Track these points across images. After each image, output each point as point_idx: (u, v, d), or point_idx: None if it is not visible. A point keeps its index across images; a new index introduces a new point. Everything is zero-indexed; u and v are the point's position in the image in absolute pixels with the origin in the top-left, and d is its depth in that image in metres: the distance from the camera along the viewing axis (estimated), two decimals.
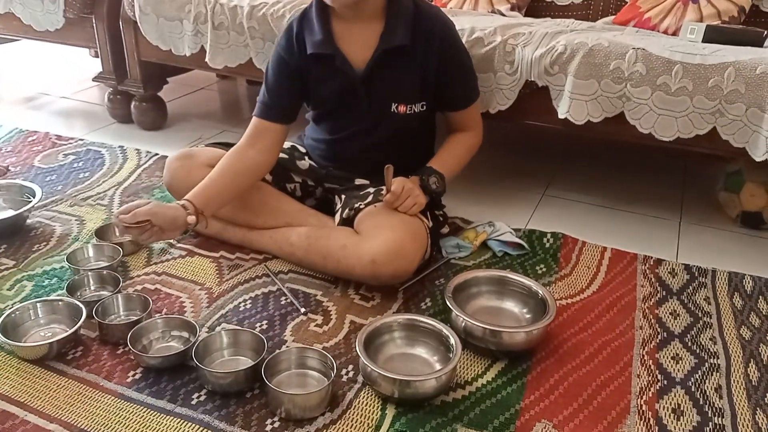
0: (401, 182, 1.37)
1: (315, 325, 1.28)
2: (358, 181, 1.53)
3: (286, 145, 1.60)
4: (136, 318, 1.22)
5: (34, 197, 1.60)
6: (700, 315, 1.35)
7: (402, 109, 1.43)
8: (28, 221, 1.60)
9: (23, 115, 2.34)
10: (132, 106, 2.22)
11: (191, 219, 1.32)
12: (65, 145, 2.08)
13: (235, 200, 1.45)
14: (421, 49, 1.38)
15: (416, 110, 1.44)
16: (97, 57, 2.25)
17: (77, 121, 2.35)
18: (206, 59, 1.90)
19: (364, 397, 1.10)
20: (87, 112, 2.43)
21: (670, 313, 1.35)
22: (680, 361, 1.21)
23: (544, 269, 1.48)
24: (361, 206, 1.42)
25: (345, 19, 1.37)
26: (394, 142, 1.48)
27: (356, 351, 1.12)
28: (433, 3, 1.89)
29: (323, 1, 1.36)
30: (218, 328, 1.25)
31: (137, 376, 1.13)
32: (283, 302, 1.35)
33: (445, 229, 1.57)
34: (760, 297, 1.41)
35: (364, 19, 1.37)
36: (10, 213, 1.56)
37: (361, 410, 1.07)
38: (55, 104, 2.50)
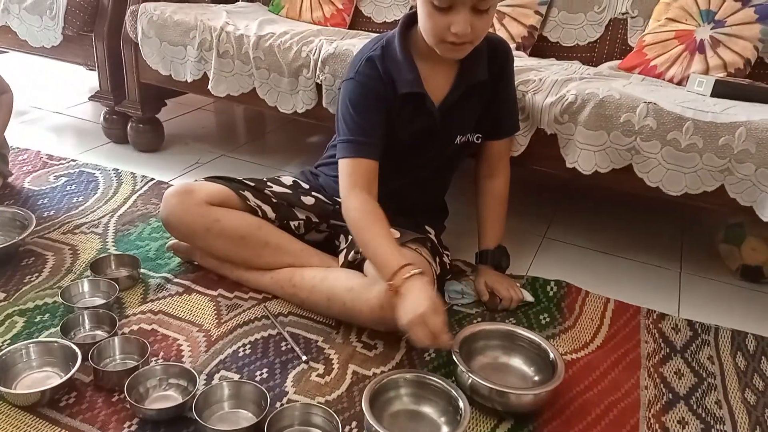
0: (485, 284, 1.48)
1: (316, 375, 1.25)
2: None
3: (288, 181, 1.57)
4: (132, 365, 1.18)
5: (26, 223, 1.56)
6: (704, 375, 1.34)
7: (462, 140, 1.45)
8: (20, 249, 1.55)
9: (14, 130, 2.28)
10: (128, 128, 2.18)
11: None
12: (57, 165, 2.03)
13: None
14: (493, 81, 1.42)
15: (470, 140, 1.47)
16: (92, 71, 2.21)
17: (70, 138, 2.30)
18: (209, 87, 1.87)
19: None
20: (80, 129, 2.38)
21: (674, 373, 1.34)
22: (686, 426, 1.20)
23: (548, 319, 1.47)
24: None
25: (428, 58, 1.36)
26: (438, 178, 1.50)
27: (360, 408, 1.09)
28: None
29: (407, 40, 1.37)
30: (217, 376, 1.22)
31: (133, 428, 1.09)
32: (283, 348, 1.31)
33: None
34: (763, 357, 1.40)
35: (447, 60, 1.36)
36: (2, 244, 1.50)
37: None
38: (48, 119, 2.44)
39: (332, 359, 1.29)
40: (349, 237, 1.47)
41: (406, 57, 1.36)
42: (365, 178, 1.33)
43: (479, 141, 1.49)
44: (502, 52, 1.45)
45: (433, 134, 1.42)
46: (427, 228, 1.51)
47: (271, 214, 1.48)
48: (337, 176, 1.39)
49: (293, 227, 1.50)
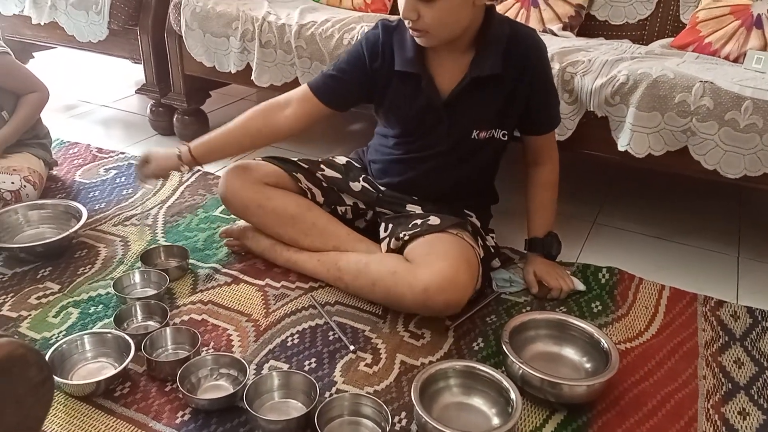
0: (534, 274, 1.47)
1: (365, 365, 1.24)
2: (409, 207, 1.49)
3: (341, 161, 1.59)
4: (184, 354, 1.20)
5: (79, 216, 1.59)
6: (765, 364, 1.29)
7: (483, 135, 1.41)
8: (73, 241, 1.59)
9: (64, 124, 2.34)
10: (174, 119, 2.20)
11: (183, 169, 1.48)
12: (106, 158, 2.07)
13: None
14: (512, 77, 1.36)
15: (496, 136, 1.42)
16: (138, 64, 2.24)
17: (118, 131, 2.34)
18: (252, 77, 1.87)
19: None
20: (128, 121, 2.42)
21: (734, 362, 1.29)
22: (747, 417, 1.16)
23: (600, 308, 1.43)
24: (407, 236, 1.38)
25: (442, 45, 1.34)
26: (466, 167, 1.46)
27: (409, 398, 1.08)
28: None
29: None
30: (267, 366, 1.22)
31: (186, 417, 1.11)
32: (331, 337, 1.31)
33: (496, 262, 1.52)
34: None
35: (457, 49, 1.35)
36: (56, 236, 1.53)
37: None
38: (96, 113, 2.49)
39: (380, 349, 1.29)
40: (390, 226, 1.46)
41: (413, 36, 1.34)
42: (301, 102, 1.45)
43: (506, 138, 1.44)
44: (524, 47, 1.36)
45: (440, 120, 1.40)
46: (467, 212, 1.49)
47: (320, 198, 1.51)
48: (374, 159, 1.54)
49: (340, 212, 1.53)
